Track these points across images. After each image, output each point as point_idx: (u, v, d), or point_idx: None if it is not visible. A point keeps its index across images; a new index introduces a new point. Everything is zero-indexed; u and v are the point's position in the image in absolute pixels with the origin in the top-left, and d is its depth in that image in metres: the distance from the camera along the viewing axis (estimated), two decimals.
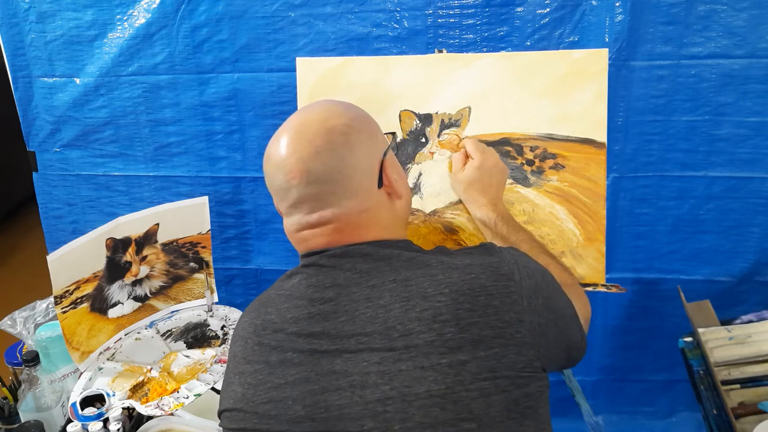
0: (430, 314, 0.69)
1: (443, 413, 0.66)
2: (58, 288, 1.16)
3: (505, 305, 0.70)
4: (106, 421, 1.10)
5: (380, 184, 0.82)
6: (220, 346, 1.32)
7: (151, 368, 1.22)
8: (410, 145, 1.15)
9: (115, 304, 1.32)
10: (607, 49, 1.09)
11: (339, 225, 0.79)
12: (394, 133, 0.92)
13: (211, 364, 1.24)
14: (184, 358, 1.27)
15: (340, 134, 0.79)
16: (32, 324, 1.32)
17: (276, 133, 0.83)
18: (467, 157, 1.09)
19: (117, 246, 1.26)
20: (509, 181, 1.13)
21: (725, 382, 1.10)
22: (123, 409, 1.13)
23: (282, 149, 0.80)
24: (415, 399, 0.66)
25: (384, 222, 0.82)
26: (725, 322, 1.18)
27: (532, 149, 1.12)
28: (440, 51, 1.16)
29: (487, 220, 1.04)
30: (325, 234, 0.79)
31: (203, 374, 1.21)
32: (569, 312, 0.81)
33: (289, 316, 0.76)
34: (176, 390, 1.16)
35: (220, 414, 0.79)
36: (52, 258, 1.13)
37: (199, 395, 1.15)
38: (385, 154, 0.84)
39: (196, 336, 1.38)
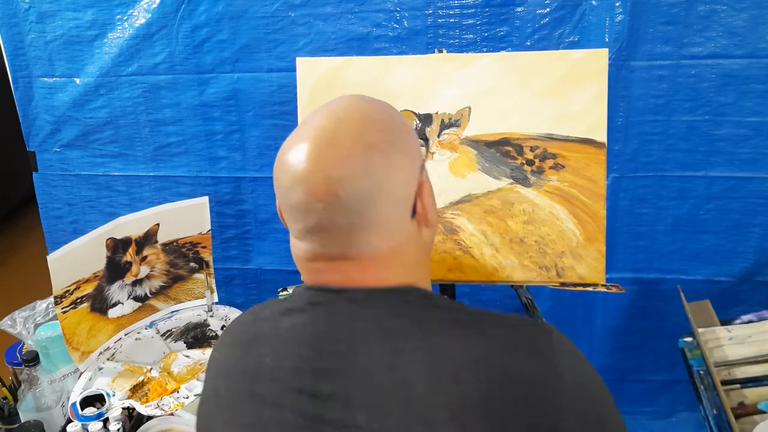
0: (459, 402, 0.57)
1: None
2: (58, 288, 1.16)
3: (544, 408, 0.58)
4: (106, 421, 1.10)
5: (414, 212, 0.67)
6: None
7: (151, 368, 1.22)
8: None
9: (115, 304, 1.32)
10: (607, 49, 1.09)
11: (362, 264, 0.65)
12: (426, 142, 0.78)
13: None
14: (184, 358, 1.27)
15: (379, 154, 0.63)
16: (32, 324, 1.32)
17: (297, 134, 0.66)
18: None
19: (117, 246, 1.26)
20: (509, 181, 1.13)
21: (725, 382, 1.10)
22: (123, 409, 1.13)
23: (305, 160, 0.63)
24: None
25: (412, 260, 0.68)
26: (725, 322, 1.18)
27: (532, 149, 1.12)
28: (440, 51, 1.16)
29: None
30: (342, 270, 0.65)
31: (203, 374, 1.21)
32: (618, 428, 0.67)
33: (288, 366, 0.63)
34: (176, 390, 1.16)
35: None
36: (52, 258, 1.13)
37: (199, 395, 1.15)
38: (421, 174, 0.69)
39: (196, 336, 1.38)
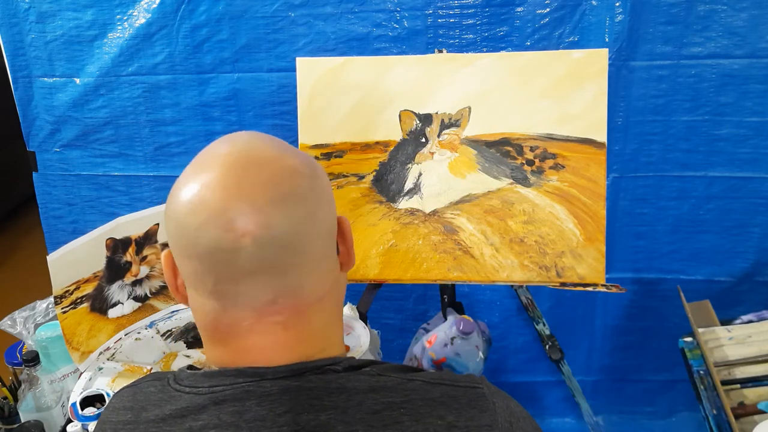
0: None
1: None
2: (58, 288, 1.16)
3: None
4: None
5: (338, 249, 0.59)
6: None
7: (151, 368, 1.22)
8: (410, 145, 1.15)
9: (115, 304, 1.32)
10: (607, 49, 1.09)
11: (291, 317, 0.54)
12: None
13: None
14: (184, 358, 1.27)
15: (305, 178, 0.54)
16: (32, 324, 1.32)
17: (196, 169, 0.55)
18: None
19: (117, 246, 1.26)
20: (509, 181, 1.13)
21: (725, 382, 1.10)
22: None
23: (219, 193, 0.52)
24: None
25: (337, 311, 0.59)
26: (725, 322, 1.18)
27: (532, 149, 1.12)
28: (440, 51, 1.16)
29: None
30: (266, 331, 0.54)
31: None
32: None
33: None
34: None
35: None
36: (52, 258, 1.13)
37: None
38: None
39: (196, 336, 1.38)
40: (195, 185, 0.54)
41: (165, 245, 1.35)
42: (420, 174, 1.15)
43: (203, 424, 0.51)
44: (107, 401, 0.61)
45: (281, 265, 0.53)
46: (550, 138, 1.11)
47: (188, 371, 0.58)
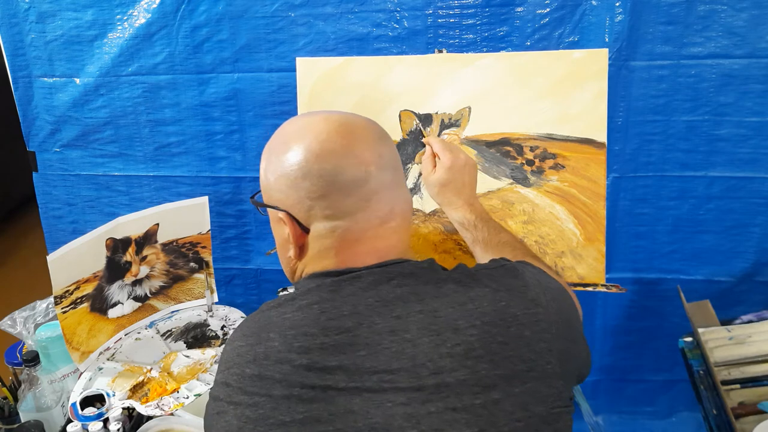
0: (462, 349, 0.63)
1: None
2: (58, 288, 1.16)
3: (536, 334, 0.65)
4: (106, 421, 1.10)
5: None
6: (220, 346, 1.32)
7: (151, 368, 1.22)
8: (410, 145, 1.15)
9: (115, 304, 1.32)
10: (607, 49, 1.09)
11: (399, 225, 0.74)
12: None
13: (211, 364, 1.24)
14: (184, 358, 1.27)
15: (379, 125, 0.78)
16: (32, 324, 1.32)
17: (302, 133, 0.74)
18: (435, 157, 1.03)
19: (117, 246, 1.26)
20: (509, 181, 1.13)
21: (725, 382, 1.10)
22: (123, 409, 1.13)
23: (340, 142, 0.72)
24: None
25: (408, 234, 0.78)
26: (725, 322, 1.18)
27: (532, 149, 1.12)
28: (440, 51, 1.16)
29: (466, 222, 0.97)
30: (390, 235, 0.74)
31: (203, 374, 1.21)
32: (580, 328, 0.77)
33: (297, 345, 0.66)
34: (176, 390, 1.16)
35: None
36: (52, 258, 1.13)
37: (199, 395, 1.15)
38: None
39: (196, 336, 1.38)
40: (320, 142, 0.72)
41: (165, 245, 1.35)
42: (420, 174, 1.15)
43: (308, 302, 0.69)
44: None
45: (393, 183, 0.74)
46: (550, 138, 1.11)
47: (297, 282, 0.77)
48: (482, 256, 0.95)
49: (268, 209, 0.77)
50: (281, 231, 0.76)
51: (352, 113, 0.78)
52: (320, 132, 0.73)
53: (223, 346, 1.27)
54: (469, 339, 0.64)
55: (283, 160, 0.73)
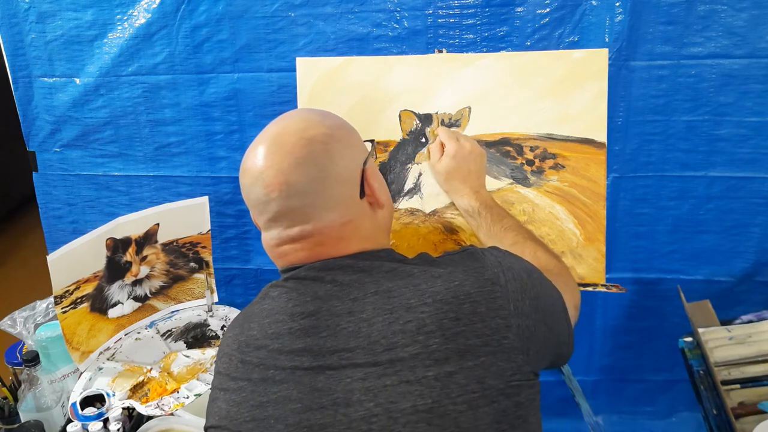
0: (414, 326, 0.67)
1: (430, 429, 0.64)
2: (58, 288, 1.16)
3: (491, 311, 0.68)
4: (106, 421, 1.10)
5: (362, 194, 0.80)
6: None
7: (151, 368, 1.22)
8: (410, 145, 1.15)
9: (115, 304, 1.32)
10: (607, 49, 1.09)
11: (321, 238, 0.77)
12: (372, 141, 0.89)
13: (211, 364, 1.24)
14: (184, 358, 1.27)
15: (319, 144, 0.77)
16: (32, 324, 1.32)
17: (252, 144, 0.80)
18: (443, 146, 1.08)
19: (117, 246, 1.26)
20: (509, 181, 1.13)
21: (725, 382, 1.10)
22: (123, 409, 1.13)
23: (259, 161, 0.77)
24: (400, 415, 0.65)
25: (366, 233, 0.80)
26: (725, 322, 1.18)
27: (532, 149, 1.12)
28: (440, 51, 1.16)
29: (471, 209, 1.03)
30: (305, 248, 0.77)
31: (203, 374, 1.21)
32: (558, 308, 0.79)
33: (270, 332, 0.74)
34: (176, 390, 1.16)
35: (206, 429, 0.78)
36: (52, 258, 1.13)
37: (199, 395, 1.15)
38: (365, 163, 0.81)
39: (196, 336, 1.38)
40: (247, 157, 0.80)
41: (165, 245, 1.35)
42: (420, 174, 1.15)
43: (278, 293, 0.77)
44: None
45: (302, 208, 0.76)
46: (550, 138, 1.11)
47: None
48: (486, 243, 0.99)
49: None
50: None
51: (316, 119, 0.81)
52: (253, 145, 0.80)
53: None
54: (420, 316, 0.67)
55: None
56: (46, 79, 1.47)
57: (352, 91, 1.16)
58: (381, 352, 0.67)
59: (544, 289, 0.77)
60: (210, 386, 1.16)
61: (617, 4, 1.22)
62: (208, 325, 1.40)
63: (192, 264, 1.41)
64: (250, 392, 0.72)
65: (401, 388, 0.65)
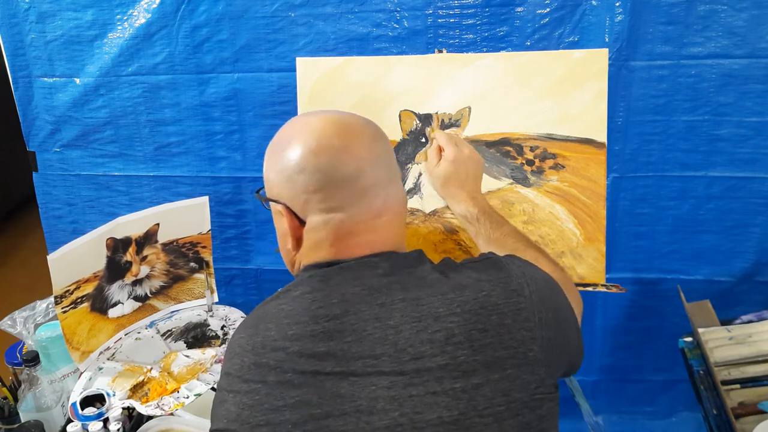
0: (442, 336, 0.66)
1: None
2: (58, 288, 1.16)
3: (517, 323, 0.68)
4: (106, 421, 1.10)
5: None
6: (220, 346, 1.32)
7: (151, 368, 1.22)
8: (410, 145, 1.15)
9: (115, 304, 1.32)
10: (607, 49, 1.09)
11: (389, 218, 0.78)
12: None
13: (211, 364, 1.24)
14: (184, 358, 1.27)
15: (373, 126, 0.81)
16: (32, 324, 1.32)
17: (301, 131, 0.78)
18: (441, 150, 1.06)
19: (117, 246, 1.26)
20: (509, 181, 1.13)
21: (725, 382, 1.10)
22: (123, 409, 1.13)
23: (336, 138, 0.76)
24: (425, 426, 0.64)
25: (401, 228, 0.81)
26: (725, 322, 1.18)
27: (532, 149, 1.12)
28: (440, 51, 1.16)
29: (469, 215, 1.00)
30: (371, 230, 0.76)
31: (203, 374, 1.21)
32: (572, 318, 0.79)
33: (290, 333, 0.70)
34: (176, 390, 1.16)
35: None
36: (52, 258, 1.13)
37: (199, 395, 1.15)
38: None
39: (196, 336, 1.38)
40: (317, 137, 0.76)
41: (165, 245, 1.35)
42: (420, 174, 1.15)
43: (301, 292, 0.73)
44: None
45: (384, 180, 0.77)
46: (550, 138, 1.11)
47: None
48: (484, 249, 0.97)
49: (270, 203, 0.81)
50: (281, 224, 0.80)
51: (349, 113, 0.82)
52: (317, 129, 0.77)
53: (224, 345, 1.28)
54: (449, 326, 0.67)
55: (282, 157, 0.77)
56: (46, 79, 1.47)
57: (352, 91, 1.16)
58: (407, 361, 0.66)
59: (562, 300, 0.77)
60: (212, 387, 1.16)
61: (617, 4, 1.22)
62: (208, 325, 1.40)
63: (192, 264, 1.41)
64: (264, 395, 0.69)
65: (427, 398, 0.64)
